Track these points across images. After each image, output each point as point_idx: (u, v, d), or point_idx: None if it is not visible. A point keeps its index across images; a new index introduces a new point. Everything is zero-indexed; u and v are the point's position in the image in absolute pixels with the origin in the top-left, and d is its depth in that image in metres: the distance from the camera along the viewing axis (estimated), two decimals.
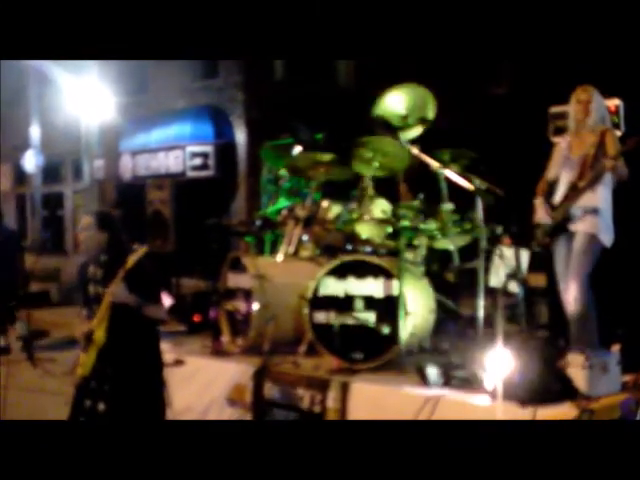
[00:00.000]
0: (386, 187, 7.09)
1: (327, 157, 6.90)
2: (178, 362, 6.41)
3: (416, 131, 6.90)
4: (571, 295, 5.52)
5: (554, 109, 6.78)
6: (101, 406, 4.72)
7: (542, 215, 5.75)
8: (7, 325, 9.59)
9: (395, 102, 6.78)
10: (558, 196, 5.71)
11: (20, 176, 19.16)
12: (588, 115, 5.61)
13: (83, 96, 14.37)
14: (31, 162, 17.64)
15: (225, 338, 6.76)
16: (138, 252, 4.81)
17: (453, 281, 6.74)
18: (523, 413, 4.54)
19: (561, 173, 5.75)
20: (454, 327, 6.38)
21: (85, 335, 4.77)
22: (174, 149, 14.36)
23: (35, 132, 17.62)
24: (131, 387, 4.78)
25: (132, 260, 4.75)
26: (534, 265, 6.41)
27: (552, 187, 5.84)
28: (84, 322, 4.91)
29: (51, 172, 18.70)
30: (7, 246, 9.54)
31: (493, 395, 4.79)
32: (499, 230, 6.17)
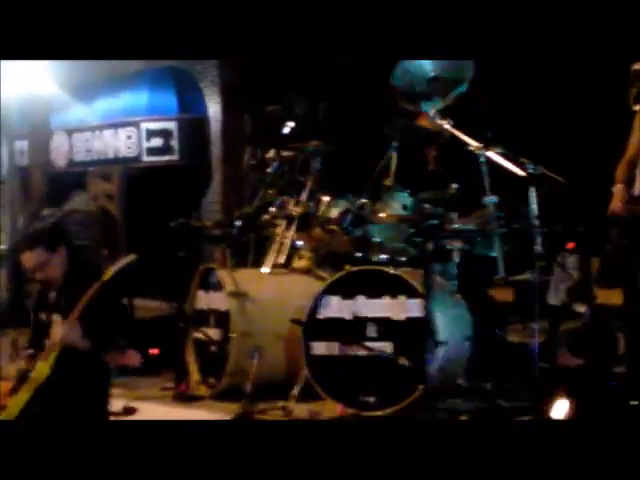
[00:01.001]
0: (409, 175, 7.14)
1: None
2: (128, 410, 6.44)
3: (449, 99, 6.97)
4: None
5: (638, 66, 6.79)
6: None
7: (620, 208, 5.78)
8: None
9: (422, 62, 6.86)
10: None
11: None
12: None
13: None
14: None
15: (193, 378, 6.83)
16: (123, 260, 4.88)
17: (498, 299, 6.79)
18: None
19: None
20: (500, 360, 6.42)
21: (23, 373, 4.88)
22: (125, 126, 14.37)
23: None
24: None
25: (111, 272, 4.82)
26: (608, 277, 6.45)
27: (635, 171, 5.88)
28: (23, 360, 5.02)
29: None
30: None
31: None
32: (560, 230, 6.21)
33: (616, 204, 5.83)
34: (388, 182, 6.71)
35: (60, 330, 4.82)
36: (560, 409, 4.87)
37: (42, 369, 4.83)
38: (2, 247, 16.42)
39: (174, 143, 13.87)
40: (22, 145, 15.15)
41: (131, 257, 4.97)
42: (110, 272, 4.83)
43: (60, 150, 15.22)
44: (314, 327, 6.14)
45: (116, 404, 6.03)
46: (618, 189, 5.87)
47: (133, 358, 5.11)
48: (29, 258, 5.05)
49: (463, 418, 5.28)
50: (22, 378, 4.91)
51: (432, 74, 6.85)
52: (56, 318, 4.96)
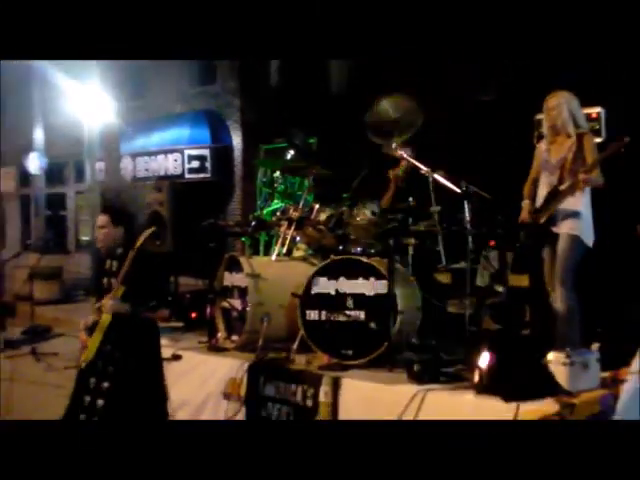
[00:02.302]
0: (377, 190, 7.10)
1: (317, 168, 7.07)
2: (176, 357, 6.40)
3: (406, 135, 6.94)
4: (557, 295, 5.52)
5: (539, 116, 6.79)
6: (100, 402, 4.74)
7: (526, 217, 5.76)
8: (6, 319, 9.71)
9: (386, 108, 6.84)
10: (539, 199, 5.71)
11: (24, 178, 19.19)
12: (555, 121, 5.58)
13: (85, 100, 14.39)
14: (35, 164, 17.71)
15: (221, 335, 6.76)
16: (147, 231, 4.83)
17: (441, 281, 6.75)
18: (507, 408, 4.54)
19: (541, 176, 5.76)
20: (441, 324, 6.38)
21: (91, 323, 4.82)
22: (173, 152, 14.36)
23: (39, 135, 17.66)
24: (134, 375, 4.80)
25: (141, 239, 4.76)
26: (519, 266, 6.40)
27: (536, 189, 5.84)
28: (94, 313, 4.95)
29: (54, 173, 18.73)
30: None
31: (478, 390, 4.80)
32: (485, 232, 6.17)
33: (524, 214, 5.79)
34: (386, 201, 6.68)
35: (108, 304, 4.78)
36: (484, 359, 4.82)
37: (106, 318, 4.79)
38: (86, 238, 16.35)
39: (208, 165, 13.88)
40: (100, 165, 15.15)
41: (152, 229, 4.92)
42: (140, 240, 4.79)
43: (127, 169, 15.23)
44: (308, 299, 6.06)
45: (166, 352, 6.00)
46: (525, 203, 5.83)
47: (163, 313, 5.07)
48: (99, 218, 5.02)
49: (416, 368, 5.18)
50: (90, 327, 4.87)
51: (395, 116, 6.83)
52: (114, 282, 4.88)
